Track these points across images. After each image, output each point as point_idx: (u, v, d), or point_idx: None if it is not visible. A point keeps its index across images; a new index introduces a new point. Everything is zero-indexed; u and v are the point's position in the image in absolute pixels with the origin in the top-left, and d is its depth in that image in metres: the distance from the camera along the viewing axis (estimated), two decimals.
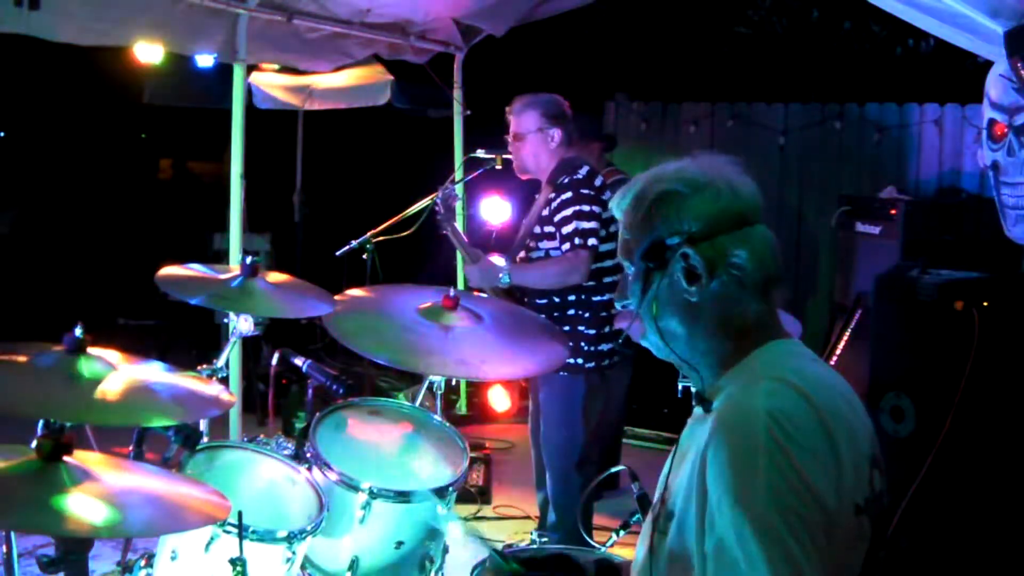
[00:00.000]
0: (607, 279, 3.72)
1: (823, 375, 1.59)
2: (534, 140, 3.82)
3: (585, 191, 3.67)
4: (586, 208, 3.64)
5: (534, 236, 3.79)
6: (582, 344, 3.67)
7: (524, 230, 3.90)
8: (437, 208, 3.83)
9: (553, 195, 3.72)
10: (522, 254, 3.85)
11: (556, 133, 3.81)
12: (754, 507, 1.38)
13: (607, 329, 3.71)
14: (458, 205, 5.64)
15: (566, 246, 3.64)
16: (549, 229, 3.72)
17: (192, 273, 3.06)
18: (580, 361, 3.68)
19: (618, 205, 1.68)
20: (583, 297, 3.69)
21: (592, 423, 3.79)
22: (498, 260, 3.80)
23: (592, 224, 3.63)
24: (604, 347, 3.71)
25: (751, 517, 1.38)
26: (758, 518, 1.38)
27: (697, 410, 1.63)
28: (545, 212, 3.74)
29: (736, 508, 1.40)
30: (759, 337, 1.59)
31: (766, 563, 1.36)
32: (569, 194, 3.67)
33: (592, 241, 3.62)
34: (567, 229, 3.63)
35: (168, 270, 3.00)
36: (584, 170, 3.74)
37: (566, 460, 3.76)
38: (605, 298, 3.71)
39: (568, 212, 3.64)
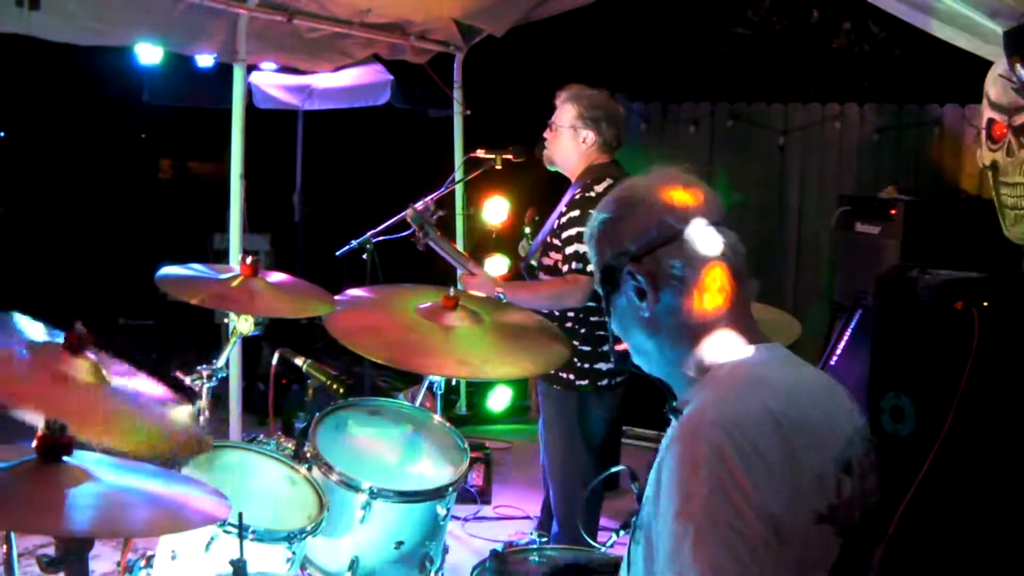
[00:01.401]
0: None
1: (791, 378, 1.58)
2: (566, 136, 3.67)
3: (593, 211, 3.55)
4: None
5: (546, 244, 3.69)
6: (575, 360, 3.56)
7: (543, 233, 3.80)
8: (415, 232, 3.64)
9: (566, 208, 3.60)
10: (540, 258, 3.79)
11: (590, 136, 3.64)
12: (691, 519, 1.38)
13: (604, 348, 3.57)
14: (458, 206, 5.61)
15: (566, 268, 3.53)
16: (556, 242, 3.60)
17: (192, 273, 3.06)
18: (572, 377, 3.59)
19: (584, 235, 1.74)
20: (580, 315, 3.59)
21: (595, 440, 3.69)
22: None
23: None
24: (600, 366, 3.59)
25: (687, 528, 1.38)
26: (694, 530, 1.37)
27: (673, 421, 1.63)
28: (556, 223, 3.63)
29: (677, 519, 1.40)
30: (727, 345, 1.60)
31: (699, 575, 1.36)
32: (577, 212, 3.52)
33: (592, 267, 3.50)
34: (569, 250, 3.52)
35: (168, 270, 3.00)
36: (603, 185, 3.54)
37: (566, 473, 3.70)
38: (604, 318, 3.64)
39: (573, 232, 3.50)
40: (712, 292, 1.59)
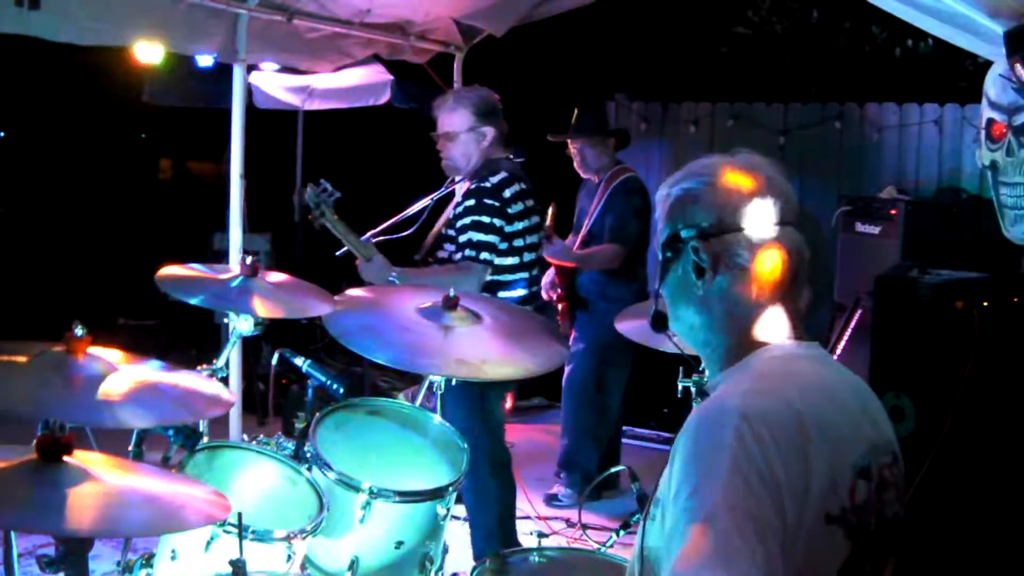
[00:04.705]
0: (502, 292, 3.68)
1: (821, 378, 1.59)
2: (466, 139, 3.73)
3: (489, 201, 3.60)
4: (486, 220, 3.58)
5: (441, 237, 3.76)
6: None
7: (436, 228, 3.87)
8: (312, 212, 3.67)
9: (460, 199, 3.68)
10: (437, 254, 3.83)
11: (489, 131, 3.73)
12: (707, 501, 1.39)
13: None
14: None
15: (459, 255, 3.60)
16: (451, 233, 3.67)
17: (192, 273, 3.06)
18: None
19: (658, 194, 1.72)
20: None
21: (499, 432, 3.73)
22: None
23: (490, 237, 3.58)
24: None
25: (702, 510, 1.39)
26: (708, 513, 1.38)
27: (696, 404, 1.64)
28: (451, 215, 3.70)
29: (690, 500, 1.41)
30: (765, 338, 1.60)
31: (708, 557, 1.36)
32: (472, 202, 3.60)
33: (486, 255, 3.57)
34: (463, 238, 3.59)
35: (168, 270, 3.00)
36: (497, 178, 3.65)
37: (475, 466, 3.73)
38: None
39: (467, 220, 3.59)
40: (769, 287, 1.60)
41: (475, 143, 3.73)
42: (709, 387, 1.64)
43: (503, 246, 3.62)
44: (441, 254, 3.75)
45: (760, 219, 1.61)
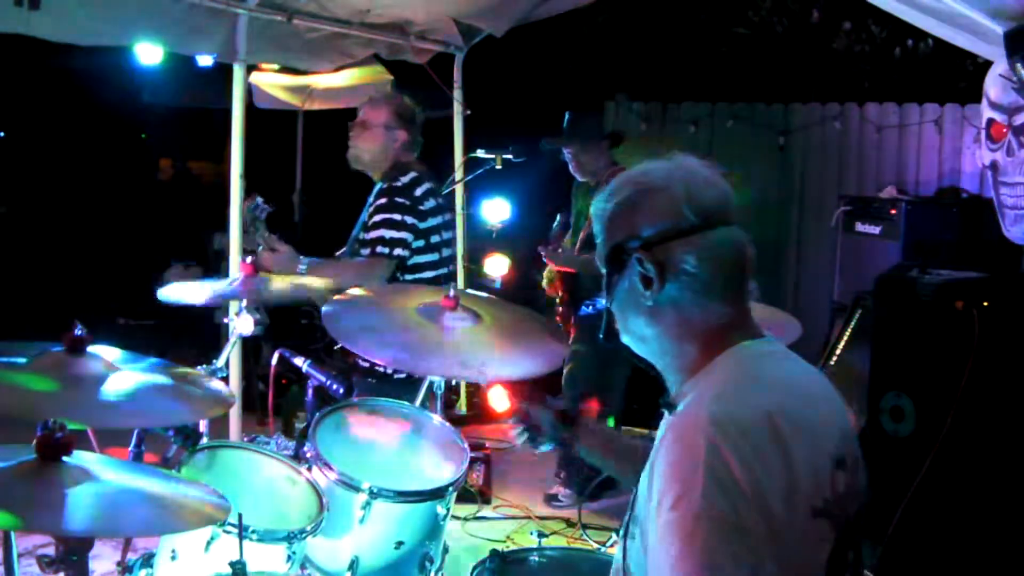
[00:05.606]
0: None
1: (787, 374, 1.59)
2: (378, 134, 3.83)
3: (400, 199, 3.67)
4: (397, 217, 3.65)
5: (356, 241, 3.80)
6: None
7: (355, 231, 3.91)
8: (245, 221, 3.73)
9: (372, 199, 3.75)
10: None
11: (402, 135, 3.83)
12: (688, 513, 1.38)
13: None
14: (458, 206, 5.64)
15: (366, 251, 3.66)
16: (365, 236, 3.73)
17: (194, 286, 3.09)
18: (389, 370, 3.59)
19: (593, 207, 1.70)
20: None
21: None
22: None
23: (401, 234, 3.64)
24: None
25: (682, 524, 1.38)
26: (691, 525, 1.37)
27: (666, 415, 1.62)
28: (366, 219, 3.76)
29: (670, 513, 1.40)
30: (725, 341, 1.59)
31: (694, 571, 1.35)
32: (384, 200, 3.69)
33: (398, 251, 3.63)
34: (374, 234, 3.65)
35: (170, 287, 3.03)
36: (407, 177, 3.74)
37: None
38: None
39: (378, 218, 3.66)
40: (719, 291, 1.58)
41: (386, 141, 3.83)
42: (675, 397, 1.61)
43: (419, 243, 3.70)
44: (359, 259, 3.77)
45: (702, 222, 1.57)
